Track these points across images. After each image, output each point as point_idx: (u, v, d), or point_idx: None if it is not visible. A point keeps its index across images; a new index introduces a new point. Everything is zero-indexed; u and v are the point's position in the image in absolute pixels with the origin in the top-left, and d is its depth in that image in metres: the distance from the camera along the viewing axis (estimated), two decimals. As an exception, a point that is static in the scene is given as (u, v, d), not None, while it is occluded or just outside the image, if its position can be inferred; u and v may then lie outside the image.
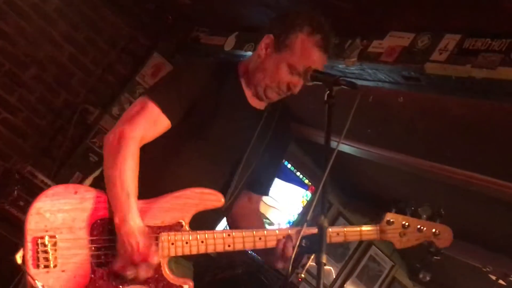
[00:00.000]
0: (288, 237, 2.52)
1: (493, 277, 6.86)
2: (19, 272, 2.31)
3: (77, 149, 6.58)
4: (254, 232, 2.51)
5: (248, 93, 2.73)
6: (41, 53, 6.33)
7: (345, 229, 2.62)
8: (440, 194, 5.33)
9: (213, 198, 2.50)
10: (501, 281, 6.78)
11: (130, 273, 2.31)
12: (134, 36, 6.92)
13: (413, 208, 2.72)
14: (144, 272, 2.32)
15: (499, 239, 6.56)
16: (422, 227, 2.70)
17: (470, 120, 4.54)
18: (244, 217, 2.88)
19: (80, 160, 6.55)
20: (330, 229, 2.52)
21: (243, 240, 2.49)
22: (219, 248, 2.46)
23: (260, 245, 2.51)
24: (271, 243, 2.52)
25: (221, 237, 2.46)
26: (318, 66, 2.58)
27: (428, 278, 8.94)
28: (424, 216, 2.72)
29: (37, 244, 2.25)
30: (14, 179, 5.18)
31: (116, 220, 2.32)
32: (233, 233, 2.49)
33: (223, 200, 2.50)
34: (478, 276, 7.34)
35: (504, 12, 3.35)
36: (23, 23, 6.17)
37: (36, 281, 2.22)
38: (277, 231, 2.54)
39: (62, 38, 6.43)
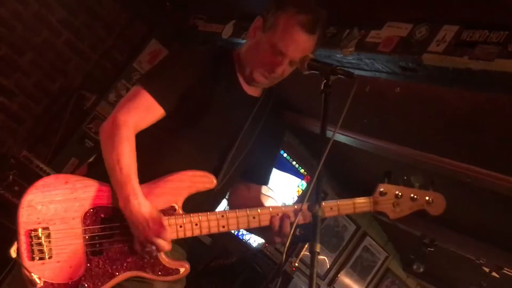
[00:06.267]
0: (284, 214, 2.53)
1: (487, 269, 6.89)
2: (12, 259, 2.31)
3: (73, 134, 6.58)
4: (247, 211, 2.52)
5: (242, 80, 2.72)
6: (38, 38, 6.30)
7: (338, 202, 2.63)
8: (435, 185, 5.34)
9: (205, 180, 2.50)
10: (494, 274, 6.81)
11: (149, 249, 2.33)
12: (132, 22, 6.90)
13: (405, 177, 2.72)
14: (162, 245, 2.32)
15: (492, 231, 6.57)
16: (415, 196, 2.69)
17: (466, 111, 4.54)
18: (245, 206, 2.88)
19: (76, 146, 6.55)
20: (323, 203, 2.51)
21: (237, 221, 2.50)
22: (214, 230, 2.46)
23: (254, 224, 2.52)
24: (265, 222, 2.53)
25: (215, 218, 2.46)
26: (301, 47, 2.56)
27: (421, 270, 8.98)
28: (417, 184, 2.71)
29: (31, 237, 2.24)
30: (9, 164, 5.17)
31: (121, 204, 2.32)
32: (227, 214, 2.49)
33: (215, 181, 2.51)
34: (472, 268, 7.37)
35: (502, 3, 3.34)
36: (21, 7, 6.14)
37: (32, 273, 2.22)
38: (270, 209, 2.55)
39: (59, 23, 6.40)
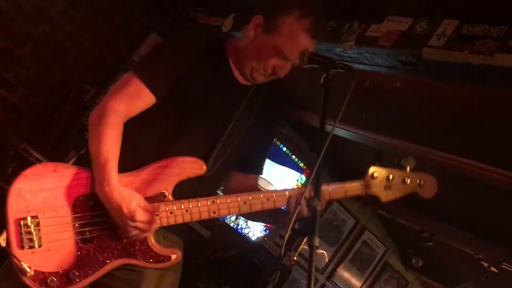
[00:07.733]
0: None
1: (485, 264, 6.90)
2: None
3: (73, 127, 6.57)
4: (238, 197, 2.52)
5: (234, 68, 2.72)
6: (38, 30, 6.29)
7: (330, 188, 2.66)
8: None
9: (195, 166, 2.49)
10: (492, 268, 6.82)
11: (133, 234, 2.32)
12: (132, 14, 6.89)
13: (396, 160, 2.72)
14: (142, 227, 2.30)
15: (491, 226, 6.58)
16: (406, 179, 2.70)
17: (466, 106, 4.54)
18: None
19: (75, 138, 6.53)
20: None
21: (227, 206, 2.50)
22: (204, 216, 2.46)
23: (245, 209, 2.52)
24: (256, 207, 2.54)
25: (205, 204, 2.46)
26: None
27: (420, 264, 9.01)
28: (408, 167, 2.71)
29: (20, 225, 2.24)
30: (8, 157, 5.17)
31: (97, 190, 2.30)
32: (217, 200, 2.49)
33: (205, 167, 2.50)
34: (470, 263, 7.37)
35: (502, -2, 3.34)
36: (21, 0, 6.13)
37: (22, 262, 2.21)
38: (261, 196, 2.55)
39: (59, 15, 6.38)
